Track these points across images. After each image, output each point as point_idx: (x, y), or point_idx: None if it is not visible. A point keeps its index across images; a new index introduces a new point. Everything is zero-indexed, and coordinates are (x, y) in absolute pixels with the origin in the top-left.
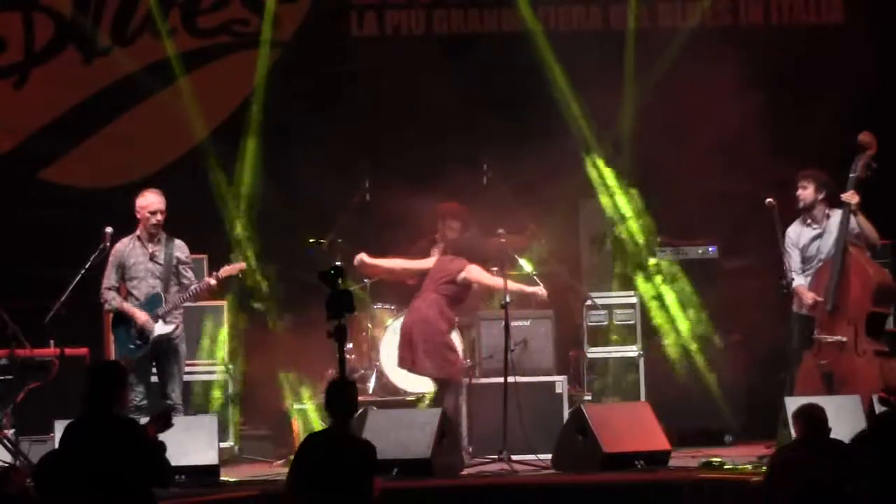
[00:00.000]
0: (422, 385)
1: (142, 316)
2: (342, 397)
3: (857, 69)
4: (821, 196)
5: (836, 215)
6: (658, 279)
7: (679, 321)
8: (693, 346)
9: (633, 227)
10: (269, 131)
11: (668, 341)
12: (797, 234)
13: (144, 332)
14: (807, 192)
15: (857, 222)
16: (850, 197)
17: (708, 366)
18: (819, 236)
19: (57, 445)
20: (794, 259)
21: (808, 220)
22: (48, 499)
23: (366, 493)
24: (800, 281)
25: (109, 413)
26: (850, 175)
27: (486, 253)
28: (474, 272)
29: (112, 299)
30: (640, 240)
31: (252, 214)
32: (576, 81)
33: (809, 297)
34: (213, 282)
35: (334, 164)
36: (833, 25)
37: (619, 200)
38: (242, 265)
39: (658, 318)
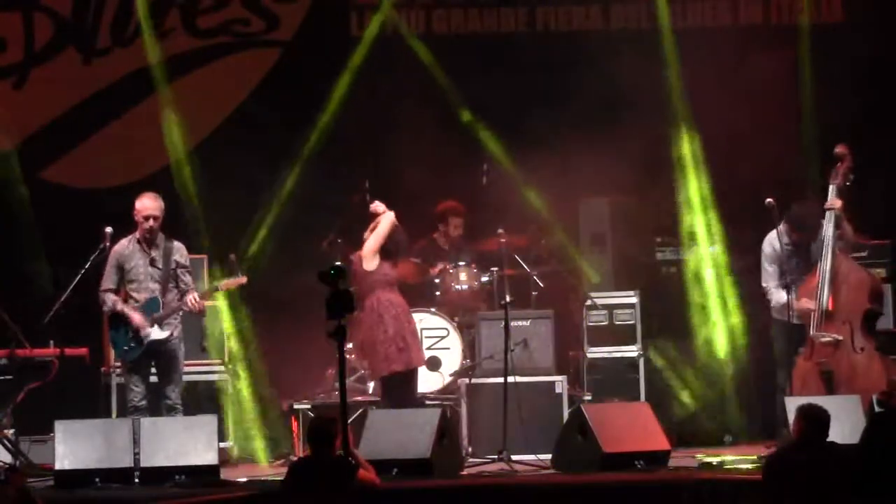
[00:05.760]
0: (422, 385)
1: (137, 318)
2: (321, 435)
3: (856, 69)
4: None
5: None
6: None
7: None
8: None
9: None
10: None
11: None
12: (773, 247)
13: (140, 335)
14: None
15: (843, 226)
16: (835, 203)
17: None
18: (797, 252)
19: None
20: (772, 274)
21: (788, 242)
22: None
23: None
24: (781, 294)
25: None
26: (831, 184)
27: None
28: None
29: (109, 300)
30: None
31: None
32: (578, 81)
33: (804, 302)
34: (205, 305)
35: (333, 164)
36: (833, 25)
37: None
38: (243, 279)
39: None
